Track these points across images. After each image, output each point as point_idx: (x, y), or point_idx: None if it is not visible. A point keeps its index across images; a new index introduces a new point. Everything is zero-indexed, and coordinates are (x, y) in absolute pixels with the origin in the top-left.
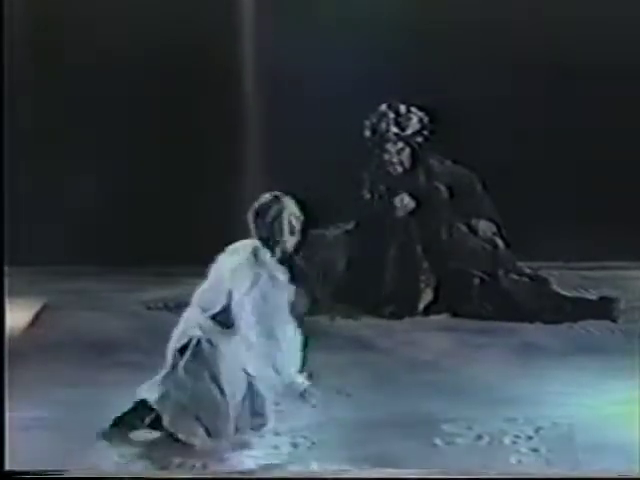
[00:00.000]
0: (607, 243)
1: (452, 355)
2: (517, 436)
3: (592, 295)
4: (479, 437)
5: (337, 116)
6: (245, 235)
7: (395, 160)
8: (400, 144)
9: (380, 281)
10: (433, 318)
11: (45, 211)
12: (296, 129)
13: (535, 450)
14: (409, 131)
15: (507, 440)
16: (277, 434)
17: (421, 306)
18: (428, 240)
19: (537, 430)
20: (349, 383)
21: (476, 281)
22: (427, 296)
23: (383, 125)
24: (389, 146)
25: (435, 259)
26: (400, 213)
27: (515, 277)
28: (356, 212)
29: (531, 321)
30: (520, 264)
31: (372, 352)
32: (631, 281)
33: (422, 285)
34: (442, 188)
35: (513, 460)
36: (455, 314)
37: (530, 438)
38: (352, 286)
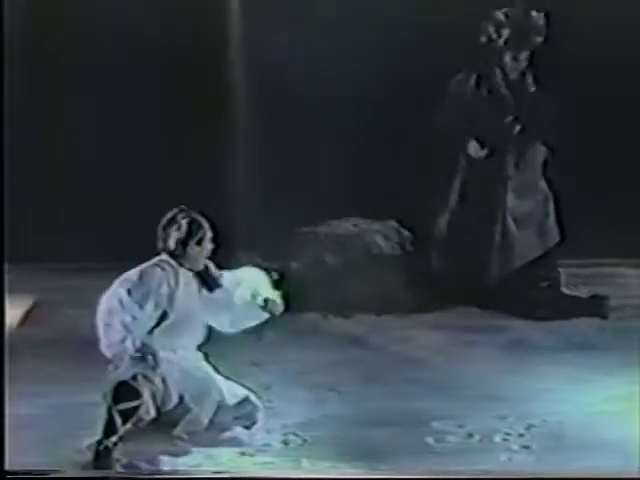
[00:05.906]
0: (598, 241)
1: (443, 352)
2: (508, 433)
3: (583, 293)
4: (470, 435)
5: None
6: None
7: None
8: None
9: (371, 278)
10: (424, 315)
11: (42, 208)
12: (293, 129)
13: (526, 447)
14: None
15: (498, 438)
16: (268, 432)
17: (412, 303)
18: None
19: (528, 427)
20: (341, 380)
21: (467, 278)
22: (418, 293)
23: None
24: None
25: (424, 255)
26: None
27: (506, 274)
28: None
29: (522, 318)
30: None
31: (364, 349)
32: (621, 278)
33: (413, 282)
34: None
35: (504, 457)
36: (446, 311)
37: (521, 435)
38: (344, 284)
